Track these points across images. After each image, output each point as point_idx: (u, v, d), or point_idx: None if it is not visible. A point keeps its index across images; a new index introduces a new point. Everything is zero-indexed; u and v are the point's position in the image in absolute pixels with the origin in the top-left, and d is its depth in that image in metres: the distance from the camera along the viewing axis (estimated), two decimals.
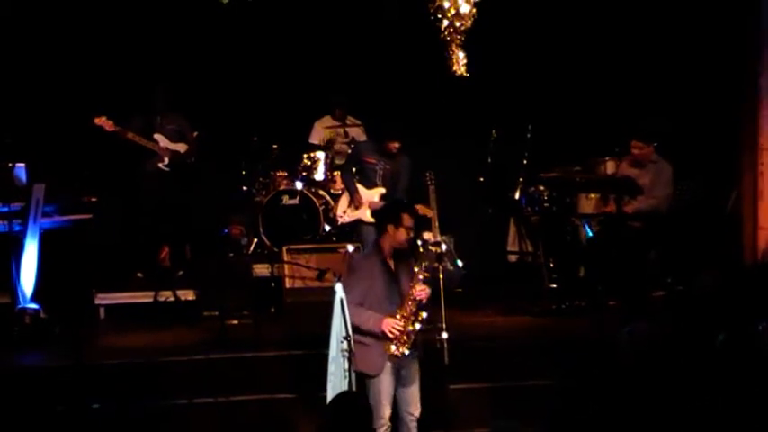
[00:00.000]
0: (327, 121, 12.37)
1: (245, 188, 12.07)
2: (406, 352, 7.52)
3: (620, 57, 11.91)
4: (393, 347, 7.49)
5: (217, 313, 10.01)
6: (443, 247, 7.61)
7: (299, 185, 11.76)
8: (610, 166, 11.34)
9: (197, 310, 10.46)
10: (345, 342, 7.41)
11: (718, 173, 10.89)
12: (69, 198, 10.60)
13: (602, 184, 10.92)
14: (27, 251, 9.78)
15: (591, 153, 11.58)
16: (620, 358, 8.03)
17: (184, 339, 9.69)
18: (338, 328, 7.47)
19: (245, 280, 10.51)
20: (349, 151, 11.71)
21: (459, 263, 10.76)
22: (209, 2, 11.34)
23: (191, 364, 8.94)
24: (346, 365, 7.44)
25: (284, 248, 10.60)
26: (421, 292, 7.49)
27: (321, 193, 11.86)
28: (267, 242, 11.52)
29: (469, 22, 10.11)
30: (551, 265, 10.99)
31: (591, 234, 10.71)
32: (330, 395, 7.43)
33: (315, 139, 12.40)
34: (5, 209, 9.83)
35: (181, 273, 11.20)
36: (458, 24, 10.08)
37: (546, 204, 11.05)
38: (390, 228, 7.61)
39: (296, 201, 11.69)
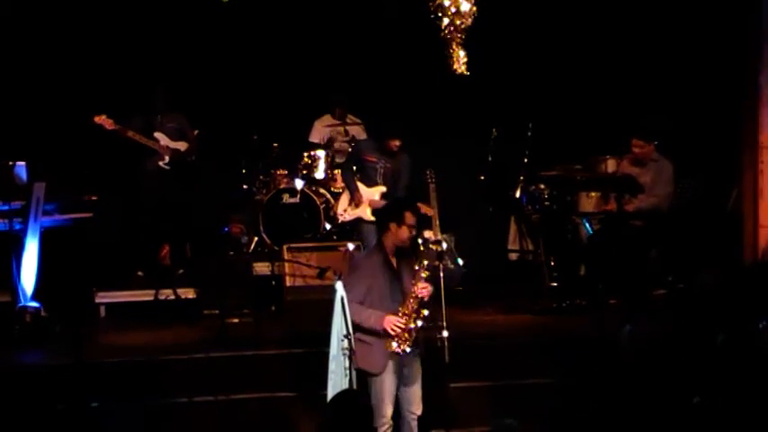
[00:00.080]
0: (327, 119, 12.37)
1: (245, 187, 12.07)
2: (408, 349, 7.52)
3: (620, 55, 11.91)
4: (394, 345, 7.50)
5: (217, 312, 10.01)
6: (444, 245, 7.61)
7: (299, 184, 11.75)
8: (610, 165, 11.34)
9: (197, 308, 10.46)
10: (346, 340, 7.41)
11: (719, 171, 10.89)
12: (70, 196, 10.59)
13: (603, 183, 10.92)
14: (27, 250, 9.78)
15: (591, 151, 11.58)
16: (620, 357, 8.03)
17: (185, 338, 9.69)
18: (339, 326, 7.47)
19: (246, 278, 10.50)
20: (349, 150, 11.71)
21: (460, 261, 10.76)
22: (209, 1, 11.35)
23: (191, 363, 8.94)
24: (347, 364, 7.44)
25: (285, 247, 10.59)
26: (423, 289, 7.49)
27: (321, 191, 11.86)
28: (267, 240, 11.51)
29: (470, 20, 10.10)
30: (552, 263, 10.99)
31: (591, 232, 10.71)
32: (331, 393, 7.43)
33: (315, 137, 12.39)
34: (6, 207, 9.82)
35: (181, 271, 11.20)
36: (458, 23, 10.07)
37: (546, 203, 11.04)
38: (393, 226, 7.61)
39: (296, 199, 11.68)
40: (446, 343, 7.49)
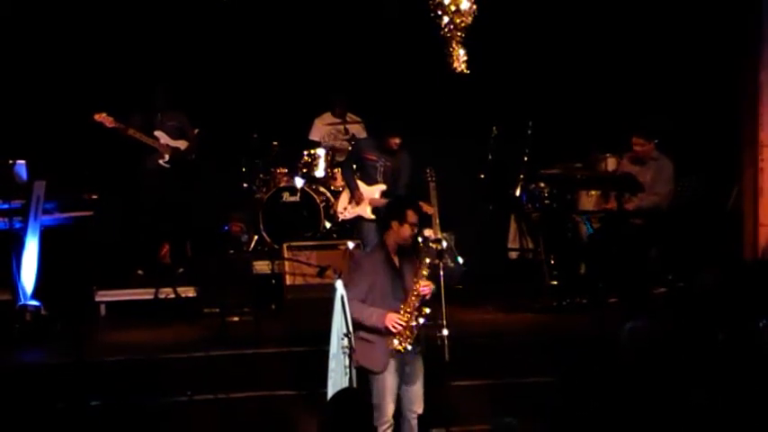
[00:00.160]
0: (328, 117, 12.38)
1: (245, 185, 12.07)
2: (409, 347, 7.52)
3: (620, 54, 11.90)
4: (396, 342, 7.50)
5: (217, 310, 10.00)
6: (444, 243, 7.59)
7: (299, 182, 11.75)
8: (611, 163, 11.34)
9: (197, 306, 10.46)
10: (346, 339, 7.41)
11: (719, 169, 10.89)
12: (70, 195, 10.59)
13: (603, 181, 10.92)
14: (28, 248, 9.77)
15: (592, 150, 11.57)
16: (620, 355, 8.03)
17: (185, 336, 9.69)
18: (339, 324, 7.47)
19: (246, 277, 10.50)
20: (349, 148, 11.71)
21: (460, 260, 10.75)
22: (209, 0, 11.36)
23: (191, 361, 8.94)
24: (347, 362, 7.44)
25: (285, 245, 10.58)
26: (425, 287, 7.50)
27: (321, 189, 11.86)
28: (267, 239, 11.51)
29: (470, 18, 10.08)
30: (552, 262, 11.00)
31: (591, 231, 10.71)
32: (331, 392, 7.43)
33: (315, 135, 12.40)
34: (6, 206, 9.82)
35: (181, 270, 11.20)
36: (458, 21, 10.06)
37: (546, 201, 11.04)
38: (395, 224, 7.63)
39: (296, 198, 11.69)
40: (446, 341, 7.49)
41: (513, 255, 12.06)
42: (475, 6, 10.07)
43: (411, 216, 7.60)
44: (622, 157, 10.80)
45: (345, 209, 10.84)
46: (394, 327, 7.47)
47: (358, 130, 12.26)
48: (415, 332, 7.52)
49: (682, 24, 11.49)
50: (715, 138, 11.01)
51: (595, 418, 7.76)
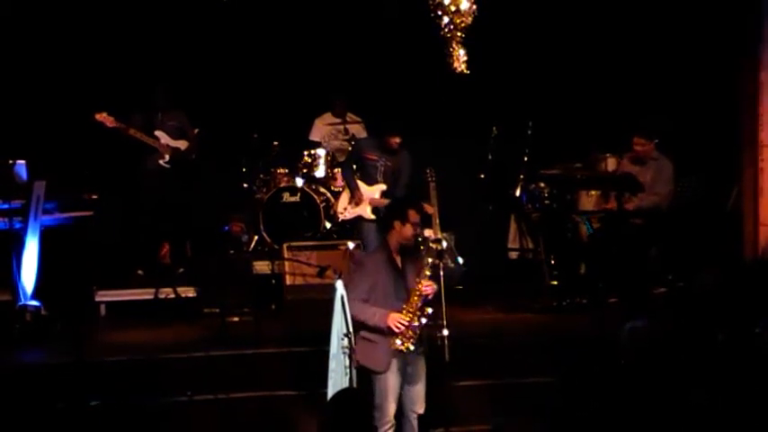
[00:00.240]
0: (328, 117, 12.38)
1: (245, 185, 12.07)
2: (412, 347, 7.52)
3: (620, 54, 11.90)
4: (398, 342, 7.50)
5: (217, 310, 10.00)
6: (444, 244, 7.59)
7: (299, 182, 11.76)
8: (611, 163, 11.34)
9: (197, 307, 10.46)
10: (346, 339, 7.41)
11: (719, 169, 10.89)
12: (70, 195, 10.59)
13: (603, 181, 10.92)
14: (28, 248, 9.77)
15: (592, 150, 11.57)
16: (620, 355, 8.03)
17: (185, 336, 9.69)
18: (339, 324, 7.48)
19: (246, 277, 10.51)
20: (349, 148, 11.71)
21: (460, 260, 10.75)
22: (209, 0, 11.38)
23: (191, 361, 8.94)
24: (347, 362, 7.44)
25: (285, 245, 10.59)
26: (427, 287, 7.50)
27: (322, 190, 11.86)
28: (268, 239, 11.51)
29: (470, 18, 10.10)
30: (552, 262, 11.00)
31: (591, 231, 10.71)
32: (331, 392, 7.43)
33: (315, 135, 12.40)
34: (6, 206, 9.82)
35: (181, 270, 11.20)
36: (458, 21, 10.07)
37: (546, 201, 11.04)
38: (397, 224, 7.63)
39: (296, 198, 11.69)
40: (446, 342, 7.49)
41: (513, 255, 12.06)
42: (475, 6, 10.09)
43: (413, 216, 7.61)
44: (622, 157, 10.80)
45: (345, 209, 10.83)
46: (396, 327, 7.47)
47: (358, 130, 12.26)
48: (418, 332, 7.52)
49: (681, 24, 11.49)
50: (715, 138, 11.01)
51: (595, 418, 7.76)
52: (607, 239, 10.39)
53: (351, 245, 10.40)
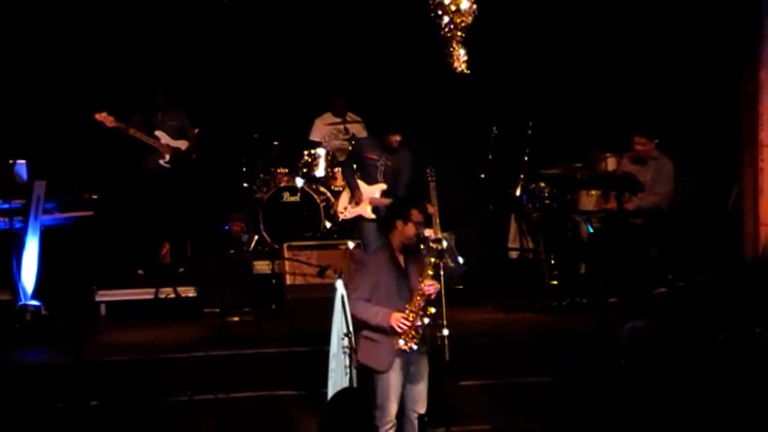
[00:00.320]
0: (328, 117, 12.38)
1: (245, 185, 12.07)
2: (414, 347, 7.52)
3: (620, 53, 11.90)
4: (401, 342, 7.50)
5: (217, 310, 9.99)
6: (444, 243, 7.59)
7: (299, 182, 11.75)
8: (611, 163, 11.34)
9: (197, 306, 10.45)
10: (346, 339, 7.41)
11: (719, 170, 10.89)
12: (70, 195, 10.60)
13: (604, 181, 10.91)
14: (28, 248, 9.77)
15: (592, 150, 11.57)
16: (620, 355, 8.03)
17: (185, 336, 9.68)
18: (339, 324, 7.48)
19: (246, 277, 10.51)
20: (349, 148, 11.71)
21: (460, 260, 10.74)
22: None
23: (191, 361, 8.93)
24: (347, 362, 7.45)
25: (285, 245, 10.57)
26: (430, 287, 7.50)
27: (322, 189, 11.86)
28: (268, 239, 11.51)
29: (470, 18, 10.10)
30: (552, 261, 11.00)
31: (592, 231, 10.70)
32: (331, 392, 7.43)
33: (316, 135, 12.40)
34: (6, 206, 9.82)
35: (181, 269, 11.21)
36: (458, 21, 10.07)
37: (547, 201, 11.04)
38: (399, 223, 7.63)
39: (296, 197, 11.69)
40: (446, 341, 7.49)
41: (514, 255, 12.06)
42: (475, 6, 10.08)
43: (415, 215, 7.62)
44: (623, 157, 10.80)
45: (346, 209, 10.83)
46: (399, 326, 7.47)
47: (358, 130, 12.26)
48: (421, 332, 7.52)
49: (681, 24, 11.49)
50: (715, 138, 11.01)
51: (595, 418, 7.76)
52: (607, 239, 10.39)
53: (351, 244, 10.39)
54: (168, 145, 11.33)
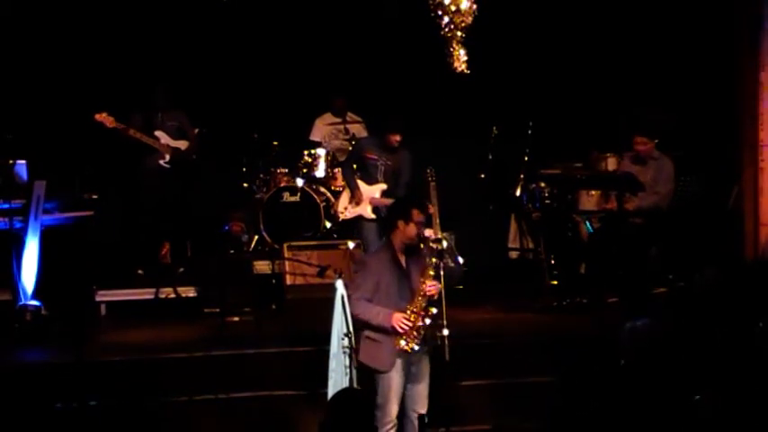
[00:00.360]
0: (329, 117, 12.38)
1: (245, 185, 12.07)
2: (416, 347, 7.52)
3: (620, 53, 11.91)
4: (403, 342, 7.50)
5: (217, 310, 10.00)
6: (444, 243, 7.59)
7: (299, 182, 11.75)
8: (611, 163, 11.34)
9: (198, 306, 10.45)
10: (346, 339, 7.41)
11: (719, 169, 10.89)
12: (70, 195, 10.60)
13: (604, 181, 10.91)
14: (28, 248, 9.77)
15: (592, 149, 11.57)
16: (620, 355, 8.03)
17: (185, 336, 9.68)
18: (339, 324, 7.48)
19: (246, 277, 10.51)
20: (349, 148, 11.71)
21: (460, 259, 10.72)
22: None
23: (191, 361, 8.93)
24: (347, 362, 7.45)
25: (285, 245, 10.56)
26: (432, 287, 7.49)
27: (322, 189, 11.86)
28: (268, 239, 11.51)
29: (470, 18, 10.09)
30: (552, 261, 11.00)
31: (592, 231, 10.70)
32: (331, 392, 7.43)
33: (316, 135, 12.40)
34: (6, 206, 9.82)
35: (181, 269, 11.20)
36: (458, 21, 10.07)
37: (547, 201, 11.04)
38: (401, 223, 7.63)
39: (296, 198, 11.69)
40: (446, 341, 7.48)
41: (514, 254, 12.06)
42: (475, 6, 10.08)
43: (417, 215, 7.62)
44: (623, 157, 10.79)
45: (346, 209, 10.84)
46: (401, 327, 7.47)
47: (358, 130, 12.26)
48: (422, 332, 7.52)
49: (681, 24, 11.49)
50: (715, 138, 11.01)
51: (595, 418, 7.75)
52: (607, 239, 10.39)
53: (351, 244, 10.38)
54: (168, 145, 11.33)
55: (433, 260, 7.53)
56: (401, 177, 10.59)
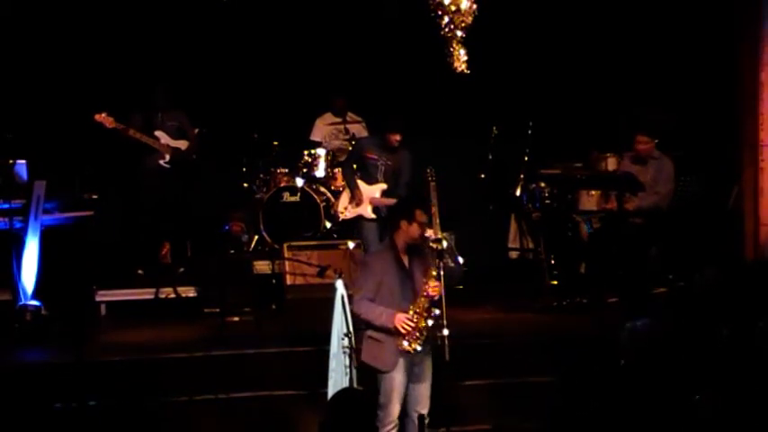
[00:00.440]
0: (329, 117, 12.38)
1: (245, 185, 12.07)
2: (418, 348, 7.52)
3: (620, 53, 11.91)
4: (405, 343, 7.50)
5: (217, 310, 10.00)
6: (444, 243, 7.59)
7: (299, 182, 11.75)
8: (611, 163, 11.34)
9: (198, 306, 10.46)
10: (346, 339, 7.40)
11: (719, 169, 10.89)
12: (70, 195, 10.60)
13: (604, 181, 10.91)
14: (28, 248, 9.77)
15: (592, 149, 11.57)
16: (620, 355, 8.03)
17: (185, 336, 9.68)
18: (339, 324, 7.48)
19: (246, 277, 10.51)
20: (350, 148, 11.71)
21: (460, 259, 10.72)
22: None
23: (191, 361, 8.93)
24: (347, 362, 7.45)
25: (285, 245, 10.57)
26: (434, 288, 7.49)
27: (322, 189, 11.86)
28: (268, 239, 11.51)
29: (470, 18, 10.10)
30: (552, 261, 11.00)
31: (592, 230, 10.70)
32: (331, 392, 7.43)
33: (316, 135, 12.40)
34: (6, 206, 9.82)
35: (181, 269, 11.21)
36: (458, 21, 10.07)
37: (547, 201, 11.04)
38: (403, 223, 7.63)
39: (297, 197, 11.69)
40: (446, 341, 7.48)
41: (514, 254, 12.06)
42: (475, 6, 10.08)
43: (420, 215, 7.61)
44: (623, 157, 10.80)
45: (346, 209, 10.83)
46: (403, 327, 7.47)
47: (359, 130, 12.26)
48: (425, 333, 7.51)
49: (682, 24, 11.50)
50: (715, 138, 11.01)
51: (595, 418, 7.76)
52: (607, 239, 10.39)
53: (351, 244, 10.38)
54: (168, 145, 11.33)
55: (436, 260, 7.52)
56: (401, 177, 10.59)
